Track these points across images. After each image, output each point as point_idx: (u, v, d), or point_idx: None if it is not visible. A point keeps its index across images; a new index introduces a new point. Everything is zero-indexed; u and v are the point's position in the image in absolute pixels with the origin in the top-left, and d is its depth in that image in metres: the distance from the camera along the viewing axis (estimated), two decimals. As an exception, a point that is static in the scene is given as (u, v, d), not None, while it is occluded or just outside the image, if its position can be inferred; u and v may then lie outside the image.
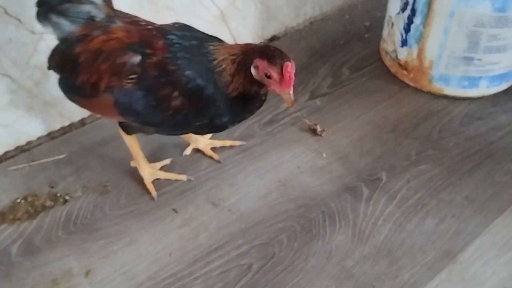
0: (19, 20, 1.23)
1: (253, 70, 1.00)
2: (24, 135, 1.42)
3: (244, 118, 1.12)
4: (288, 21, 1.87)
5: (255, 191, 1.31)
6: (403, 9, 1.53)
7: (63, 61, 1.09)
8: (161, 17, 1.48)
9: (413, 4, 1.48)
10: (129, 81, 1.03)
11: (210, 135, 1.41)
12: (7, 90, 1.32)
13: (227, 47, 1.04)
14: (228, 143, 1.41)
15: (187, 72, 1.01)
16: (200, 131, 1.22)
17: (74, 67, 1.07)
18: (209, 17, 1.63)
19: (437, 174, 1.34)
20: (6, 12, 1.22)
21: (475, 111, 1.54)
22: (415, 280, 1.11)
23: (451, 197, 1.28)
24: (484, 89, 1.56)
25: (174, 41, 1.04)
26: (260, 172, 1.36)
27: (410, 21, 1.51)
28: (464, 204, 1.27)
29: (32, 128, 1.42)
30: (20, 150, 1.41)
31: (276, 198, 1.29)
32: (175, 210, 1.26)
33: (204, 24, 1.62)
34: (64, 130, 1.47)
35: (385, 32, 1.69)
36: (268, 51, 0.99)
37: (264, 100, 1.11)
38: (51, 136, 1.46)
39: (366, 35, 1.87)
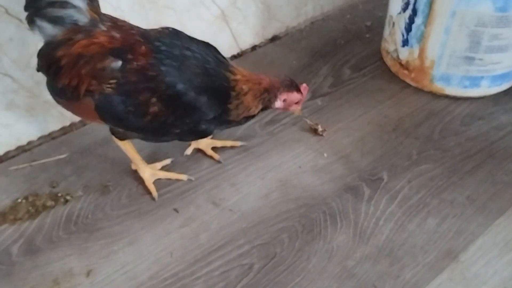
0: (20, 20, 1.23)
1: (279, 103, 1.19)
2: (25, 135, 1.42)
3: (231, 127, 1.20)
4: (289, 20, 1.87)
5: (256, 191, 1.30)
6: (404, 9, 1.53)
7: (47, 64, 1.09)
8: (161, 17, 1.48)
9: (414, 3, 1.48)
10: (108, 86, 1.03)
11: (211, 134, 1.41)
12: (8, 90, 1.32)
13: (247, 80, 1.12)
14: (229, 143, 1.41)
15: (168, 79, 1.02)
16: (184, 138, 1.23)
17: (56, 70, 1.07)
18: (210, 17, 1.63)
19: (439, 174, 1.34)
20: (7, 12, 1.22)
21: (476, 111, 1.54)
22: (417, 280, 1.11)
23: (452, 197, 1.28)
24: (485, 89, 1.56)
25: (161, 48, 1.05)
26: (261, 172, 1.35)
27: (411, 20, 1.51)
28: (465, 204, 1.27)
29: (33, 128, 1.42)
30: (21, 150, 1.41)
31: (277, 198, 1.29)
32: (176, 210, 1.26)
33: (205, 23, 1.62)
34: (65, 130, 1.47)
35: (386, 32, 1.69)
36: (291, 83, 1.18)
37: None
38: (52, 136, 1.45)
39: (367, 35, 1.87)
